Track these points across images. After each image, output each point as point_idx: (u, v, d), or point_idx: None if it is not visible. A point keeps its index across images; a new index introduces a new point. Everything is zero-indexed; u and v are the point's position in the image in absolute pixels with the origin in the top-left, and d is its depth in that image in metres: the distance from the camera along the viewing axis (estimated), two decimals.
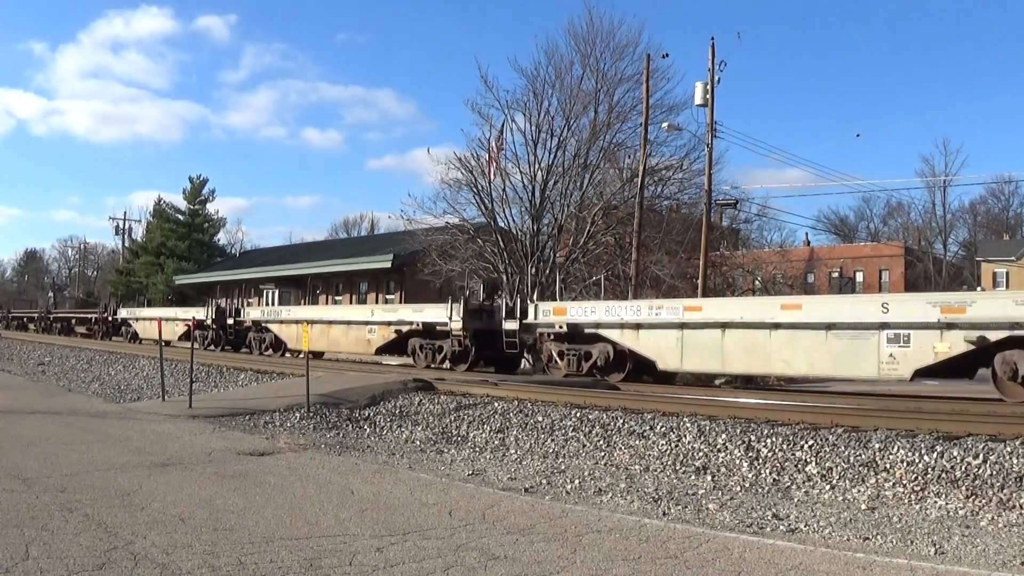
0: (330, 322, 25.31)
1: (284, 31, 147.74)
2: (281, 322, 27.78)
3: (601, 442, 10.32)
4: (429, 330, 21.41)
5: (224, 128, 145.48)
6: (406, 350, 22.46)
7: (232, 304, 33.77)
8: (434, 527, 6.02)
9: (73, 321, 49.54)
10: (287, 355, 27.08)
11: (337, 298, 44.34)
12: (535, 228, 28.92)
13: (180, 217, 67.52)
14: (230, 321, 30.84)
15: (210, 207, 69.24)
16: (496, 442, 10.98)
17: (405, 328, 22.14)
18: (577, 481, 8.25)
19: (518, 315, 19.77)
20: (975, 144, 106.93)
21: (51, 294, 71.48)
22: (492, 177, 28.75)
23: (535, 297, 21.60)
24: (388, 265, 38.78)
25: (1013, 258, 59.23)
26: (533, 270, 28.13)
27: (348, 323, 24.55)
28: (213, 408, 13.25)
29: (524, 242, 28.91)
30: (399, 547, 5.42)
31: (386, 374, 17.55)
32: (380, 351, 23.45)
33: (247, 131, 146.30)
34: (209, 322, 31.56)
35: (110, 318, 42.75)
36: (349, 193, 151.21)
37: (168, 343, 34.80)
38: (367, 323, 23.64)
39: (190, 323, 33.20)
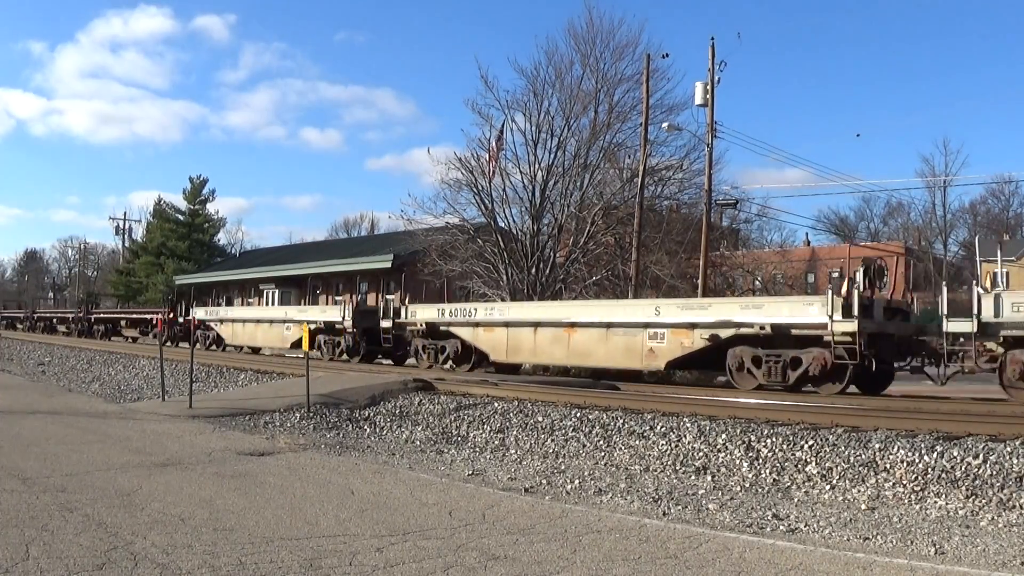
0: (572, 324, 19.00)
1: (283, 30, 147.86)
2: (476, 325, 21.16)
3: (601, 442, 10.33)
4: (779, 334, 15.58)
5: (224, 128, 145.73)
6: (721, 363, 16.57)
7: (389, 301, 25.98)
8: (434, 527, 6.02)
9: (123, 323, 42.26)
10: (476, 370, 21.16)
11: (337, 298, 44.35)
12: (535, 228, 28.90)
13: (180, 217, 67.65)
14: (385, 324, 23.82)
15: (210, 207, 69.53)
16: (496, 442, 10.99)
17: (727, 332, 16.25)
18: (577, 481, 8.26)
19: (975, 311, 13.63)
20: (975, 144, 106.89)
21: (51, 294, 71.38)
22: (492, 177, 28.75)
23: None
24: (388, 265, 38.83)
25: (1013, 258, 59.24)
26: (533, 270, 28.14)
27: (608, 325, 18.32)
28: (213, 408, 13.28)
29: (524, 242, 28.90)
30: (399, 547, 5.42)
31: (386, 374, 17.57)
32: (673, 365, 17.84)
33: (246, 131, 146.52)
34: (346, 325, 24.86)
35: (181, 319, 35.51)
36: (349, 193, 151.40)
37: (250, 350, 29.86)
38: (647, 325, 17.48)
39: (313, 327, 25.48)
